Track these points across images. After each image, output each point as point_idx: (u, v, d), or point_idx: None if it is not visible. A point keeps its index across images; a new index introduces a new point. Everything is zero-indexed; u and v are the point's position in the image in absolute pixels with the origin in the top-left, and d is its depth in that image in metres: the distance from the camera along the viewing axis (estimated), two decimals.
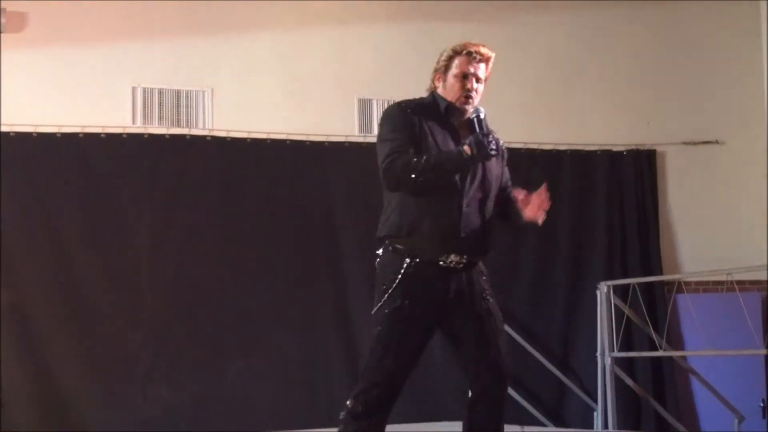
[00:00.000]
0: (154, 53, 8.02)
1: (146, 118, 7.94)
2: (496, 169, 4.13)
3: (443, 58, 4.14)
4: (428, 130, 4.01)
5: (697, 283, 8.71)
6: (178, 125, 8.01)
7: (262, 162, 8.06)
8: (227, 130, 8.06)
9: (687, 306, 8.30)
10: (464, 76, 4.07)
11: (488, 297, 4.06)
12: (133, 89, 7.94)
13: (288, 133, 8.16)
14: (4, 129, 7.52)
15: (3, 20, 7.57)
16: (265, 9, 8.26)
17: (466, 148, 3.89)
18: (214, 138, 8.03)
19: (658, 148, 9.00)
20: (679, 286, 8.21)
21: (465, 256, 3.98)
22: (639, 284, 7.91)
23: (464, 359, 4.05)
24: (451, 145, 4.01)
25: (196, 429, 7.40)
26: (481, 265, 4.12)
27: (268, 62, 8.27)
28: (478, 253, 4.06)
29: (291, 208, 8.05)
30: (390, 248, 3.99)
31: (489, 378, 3.97)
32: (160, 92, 8.00)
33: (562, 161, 8.76)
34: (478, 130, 3.98)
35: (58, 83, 7.79)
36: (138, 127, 7.90)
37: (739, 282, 7.24)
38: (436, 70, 4.17)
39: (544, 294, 8.53)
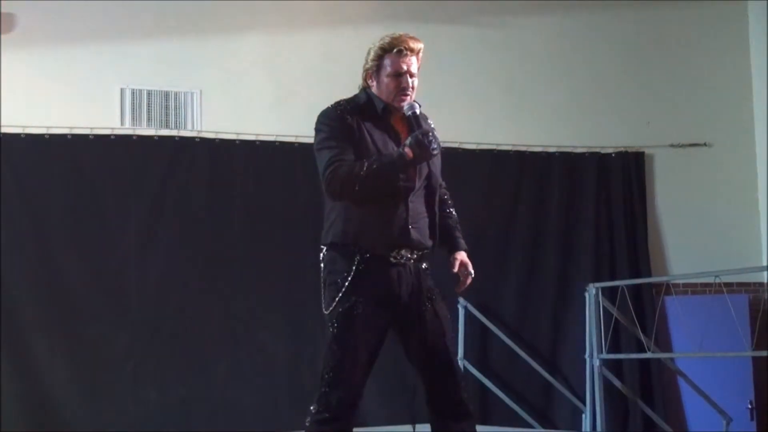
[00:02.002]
0: (143, 55, 8.00)
1: (135, 119, 7.92)
2: (438, 160, 4.01)
3: (372, 57, 3.97)
4: (366, 132, 3.88)
5: (685, 285, 8.73)
6: (167, 126, 8.00)
7: (251, 163, 8.05)
8: (216, 132, 8.05)
9: (675, 308, 8.32)
10: (398, 75, 3.91)
11: (435, 297, 3.95)
12: (122, 90, 7.93)
13: (277, 135, 8.15)
14: None
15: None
16: (254, 10, 8.25)
17: (407, 150, 3.76)
18: (203, 139, 8.02)
19: (647, 150, 9.02)
20: (668, 288, 8.22)
21: (415, 252, 3.90)
22: (627, 286, 7.92)
23: (414, 361, 3.94)
24: (391, 146, 3.88)
25: (184, 429, 7.39)
26: (427, 264, 4.01)
27: (257, 63, 8.26)
28: (427, 246, 3.95)
29: (279, 209, 8.03)
30: (339, 245, 3.88)
31: (440, 381, 3.88)
32: (149, 93, 7.98)
33: (551, 163, 8.77)
34: (416, 128, 3.83)
35: (47, 84, 7.77)
36: (126, 129, 7.89)
37: (726, 284, 7.24)
38: (366, 70, 4.00)
39: (532, 296, 8.54)
